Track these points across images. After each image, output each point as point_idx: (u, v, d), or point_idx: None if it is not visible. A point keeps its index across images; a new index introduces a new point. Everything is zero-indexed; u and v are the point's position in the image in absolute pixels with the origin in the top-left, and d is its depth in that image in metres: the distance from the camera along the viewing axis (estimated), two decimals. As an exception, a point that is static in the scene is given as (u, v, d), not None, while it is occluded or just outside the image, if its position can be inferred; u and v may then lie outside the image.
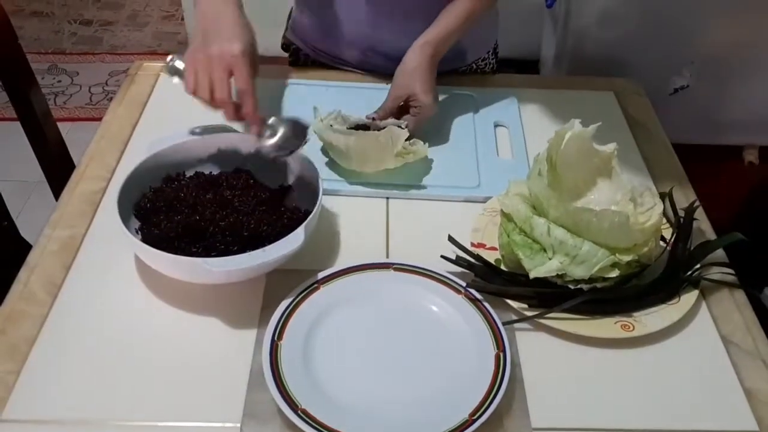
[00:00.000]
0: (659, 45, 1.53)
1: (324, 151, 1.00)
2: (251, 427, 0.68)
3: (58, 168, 1.25)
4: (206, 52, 0.86)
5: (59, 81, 2.70)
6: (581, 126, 0.79)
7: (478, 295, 0.79)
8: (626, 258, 0.77)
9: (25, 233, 1.25)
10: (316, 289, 0.79)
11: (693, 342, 0.79)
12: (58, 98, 2.59)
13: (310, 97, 1.08)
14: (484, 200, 0.94)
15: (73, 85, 2.68)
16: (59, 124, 1.30)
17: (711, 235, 0.92)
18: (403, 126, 0.96)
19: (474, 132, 1.07)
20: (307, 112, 1.00)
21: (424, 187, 0.97)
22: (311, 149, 1.01)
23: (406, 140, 0.95)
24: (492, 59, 1.25)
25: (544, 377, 0.74)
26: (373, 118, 0.99)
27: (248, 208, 0.84)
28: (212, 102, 0.87)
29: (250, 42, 0.88)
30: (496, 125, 1.09)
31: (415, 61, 0.99)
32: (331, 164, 0.99)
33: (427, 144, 0.98)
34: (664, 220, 0.85)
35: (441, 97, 1.03)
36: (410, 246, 0.89)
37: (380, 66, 1.15)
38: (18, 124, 1.22)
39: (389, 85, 1.02)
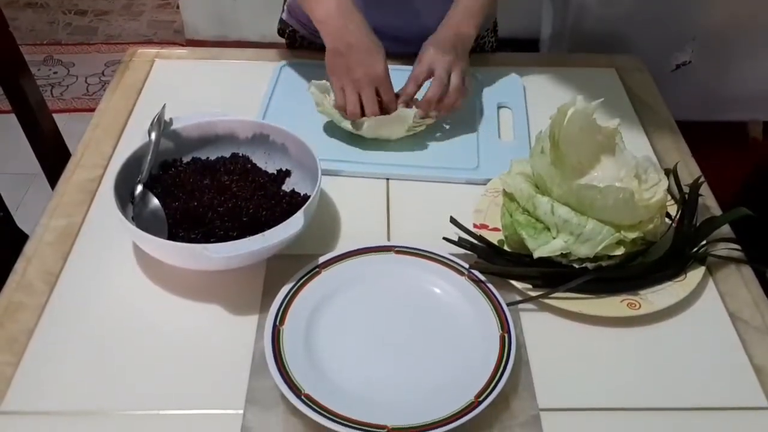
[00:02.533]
0: (660, 21, 1.51)
1: (326, 129, 0.99)
2: (254, 414, 0.67)
3: (54, 159, 1.24)
4: (352, 76, 0.93)
5: (55, 72, 2.68)
6: (584, 102, 0.77)
7: (481, 277, 0.78)
8: (631, 235, 0.76)
9: (23, 226, 1.24)
10: (317, 273, 0.78)
11: (700, 319, 0.78)
12: (54, 89, 2.58)
13: (311, 79, 1.06)
14: (484, 182, 0.93)
15: (70, 76, 2.67)
16: (56, 116, 1.29)
17: (716, 211, 0.91)
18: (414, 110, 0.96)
19: (476, 113, 1.06)
20: (309, 96, 0.99)
21: (424, 169, 0.96)
22: (311, 129, 1.00)
23: (421, 117, 0.97)
24: (492, 37, 1.24)
25: (549, 357, 0.73)
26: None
27: (247, 193, 0.83)
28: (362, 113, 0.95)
29: (383, 49, 0.94)
30: (500, 107, 1.08)
31: (435, 37, 0.99)
32: (330, 145, 0.98)
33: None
34: (669, 197, 0.84)
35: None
36: (412, 228, 0.88)
37: (386, 48, 1.14)
38: (14, 116, 1.21)
39: (395, 66, 1.00)
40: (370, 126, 0.96)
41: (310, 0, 0.96)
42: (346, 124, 0.97)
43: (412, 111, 0.96)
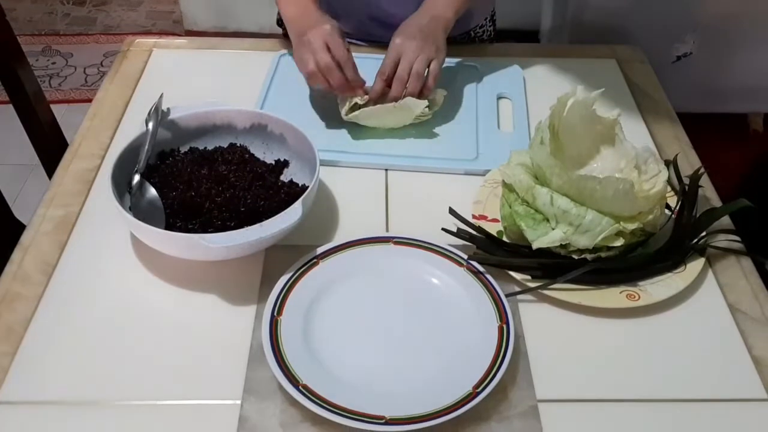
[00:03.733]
0: (661, 12, 1.50)
1: (325, 119, 0.99)
2: (252, 404, 0.67)
3: (52, 150, 1.23)
4: (302, 40, 0.95)
5: (53, 63, 2.67)
6: (584, 92, 0.77)
7: (480, 268, 0.78)
8: (631, 226, 0.76)
9: (21, 217, 1.24)
10: (316, 264, 0.78)
11: (700, 310, 0.78)
12: (52, 80, 2.56)
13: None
14: (483, 173, 0.93)
15: (68, 66, 2.66)
16: (54, 107, 1.29)
17: (716, 202, 0.90)
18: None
19: (476, 104, 1.05)
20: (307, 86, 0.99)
21: (423, 159, 0.95)
22: (309, 120, 1.00)
23: (426, 107, 0.97)
24: (490, 26, 1.23)
25: (548, 349, 0.73)
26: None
27: (244, 183, 0.82)
28: (319, 71, 0.94)
29: (336, 25, 0.97)
30: (500, 97, 1.07)
31: (404, 24, 0.99)
32: (329, 135, 0.98)
33: (445, 91, 1.01)
34: (669, 188, 0.84)
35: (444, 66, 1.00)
36: (410, 219, 0.87)
37: (379, 36, 1.13)
38: (12, 107, 1.20)
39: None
40: (372, 115, 0.96)
41: (281, 2, 1.03)
42: (355, 115, 0.96)
43: (423, 102, 0.96)
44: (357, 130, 0.99)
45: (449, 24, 1.01)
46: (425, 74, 0.95)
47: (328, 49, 0.94)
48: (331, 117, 1.00)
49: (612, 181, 0.73)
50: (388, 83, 0.96)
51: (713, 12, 1.51)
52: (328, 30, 0.95)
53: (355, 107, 0.96)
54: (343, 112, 0.97)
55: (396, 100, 0.95)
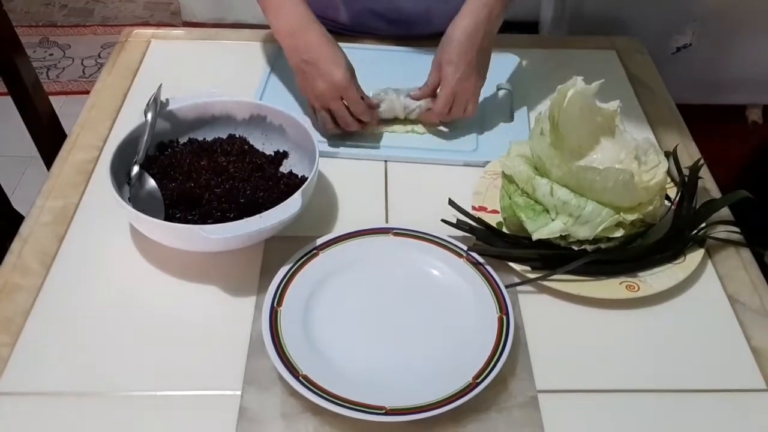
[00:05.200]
0: (661, 3, 1.49)
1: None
2: (252, 394, 0.67)
3: (50, 142, 1.23)
4: (316, 93, 0.90)
5: (51, 54, 2.66)
6: (584, 83, 0.77)
7: (479, 259, 0.78)
8: (631, 217, 0.76)
9: (20, 208, 1.24)
10: (315, 255, 0.78)
11: (699, 301, 0.78)
12: (50, 72, 2.56)
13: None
14: (483, 164, 0.93)
15: (66, 58, 2.65)
16: (52, 98, 1.28)
17: (716, 193, 0.90)
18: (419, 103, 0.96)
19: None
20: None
21: (423, 151, 0.95)
22: (308, 111, 0.99)
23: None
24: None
25: (548, 339, 0.73)
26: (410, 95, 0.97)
27: (244, 174, 0.82)
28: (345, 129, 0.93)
29: (343, 57, 0.90)
30: (499, 88, 1.07)
31: (450, 32, 0.93)
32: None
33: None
34: (669, 179, 0.84)
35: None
36: (410, 210, 0.87)
37: (377, 29, 1.13)
38: (10, 99, 1.19)
39: (388, 47, 0.99)
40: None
41: (269, 10, 0.92)
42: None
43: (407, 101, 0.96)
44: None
45: (496, 27, 0.94)
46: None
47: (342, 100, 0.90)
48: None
49: (612, 172, 0.73)
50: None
51: (713, 3, 1.51)
52: (339, 79, 0.88)
53: None
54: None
55: (431, 123, 0.96)
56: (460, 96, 0.93)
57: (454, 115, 0.94)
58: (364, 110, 0.91)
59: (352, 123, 0.92)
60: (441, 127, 0.97)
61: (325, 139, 0.95)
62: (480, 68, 0.94)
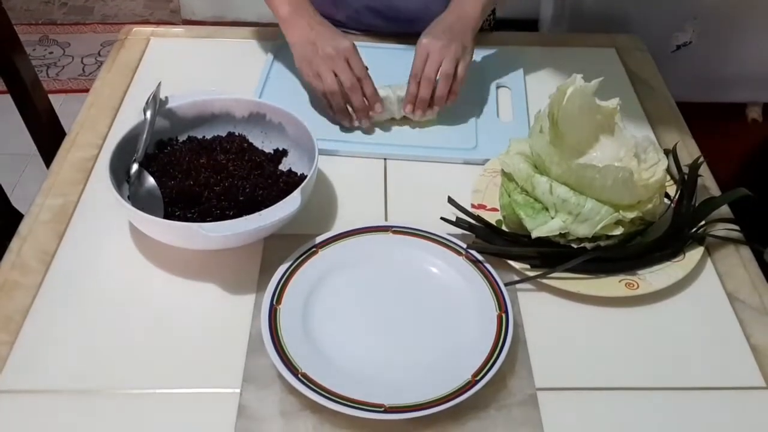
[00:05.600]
0: (661, 1, 1.49)
1: (323, 109, 0.99)
2: (251, 392, 0.67)
3: (50, 140, 1.23)
4: (322, 53, 0.94)
5: (51, 52, 2.66)
6: (583, 81, 0.77)
7: (479, 257, 0.78)
8: (630, 215, 0.75)
9: (20, 206, 1.24)
10: (315, 253, 0.78)
11: (698, 299, 0.78)
12: (50, 70, 2.55)
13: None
14: (483, 162, 0.93)
15: (65, 56, 2.64)
16: (52, 96, 1.28)
17: (715, 191, 0.90)
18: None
19: (475, 93, 1.05)
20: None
21: (422, 149, 0.95)
22: (308, 109, 0.99)
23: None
24: (490, 15, 1.22)
25: (547, 337, 0.73)
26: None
27: (243, 172, 0.82)
28: (344, 91, 0.94)
29: (352, 41, 0.96)
30: (499, 86, 1.07)
31: (431, 25, 0.97)
32: (328, 125, 0.98)
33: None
34: (668, 177, 0.84)
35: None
36: (409, 208, 0.87)
37: (373, 26, 1.12)
38: (10, 97, 1.19)
39: (387, 45, 0.99)
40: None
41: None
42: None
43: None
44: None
45: (477, 23, 0.99)
46: (453, 75, 0.94)
47: (348, 65, 0.93)
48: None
49: (611, 169, 0.73)
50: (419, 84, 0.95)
51: (713, 2, 1.51)
52: (348, 45, 0.94)
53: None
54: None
55: (425, 101, 0.94)
56: (434, 53, 0.93)
57: (427, 71, 0.93)
58: (364, 76, 0.94)
59: (357, 85, 0.93)
60: (428, 115, 0.96)
61: (325, 137, 0.94)
62: (460, 36, 0.95)
